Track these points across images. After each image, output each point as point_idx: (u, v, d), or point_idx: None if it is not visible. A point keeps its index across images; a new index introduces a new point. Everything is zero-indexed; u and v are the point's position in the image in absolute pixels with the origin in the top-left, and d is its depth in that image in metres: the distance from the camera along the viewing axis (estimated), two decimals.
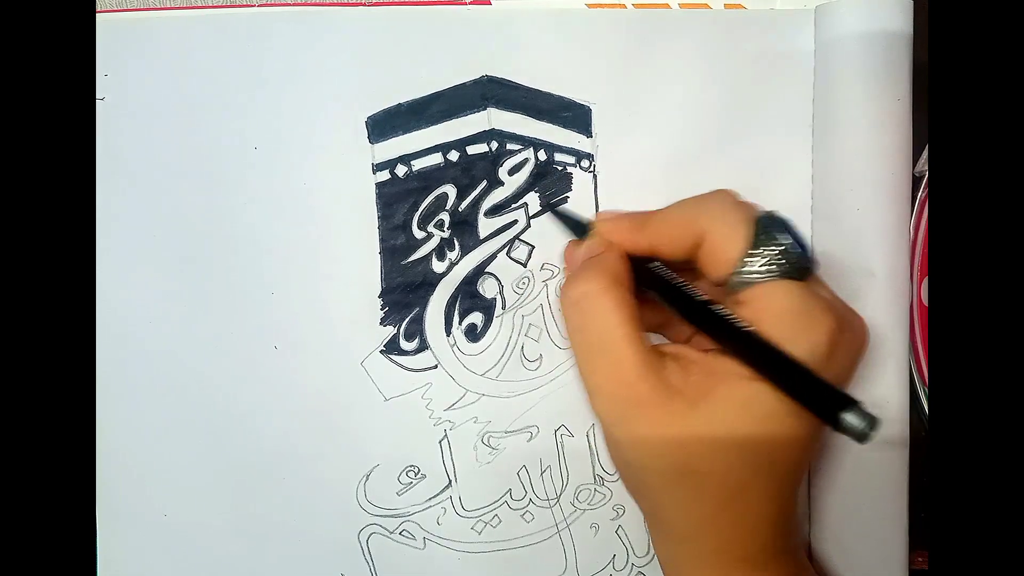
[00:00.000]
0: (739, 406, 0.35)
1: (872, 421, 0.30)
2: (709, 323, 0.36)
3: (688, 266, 0.39)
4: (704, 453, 0.35)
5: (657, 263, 0.39)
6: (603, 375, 0.36)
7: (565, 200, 0.46)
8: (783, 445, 0.35)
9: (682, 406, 0.35)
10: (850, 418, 0.31)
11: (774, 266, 0.35)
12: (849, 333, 0.36)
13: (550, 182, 0.45)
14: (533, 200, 0.46)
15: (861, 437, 0.31)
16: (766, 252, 0.35)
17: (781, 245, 0.35)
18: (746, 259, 0.36)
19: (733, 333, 0.35)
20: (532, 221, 0.46)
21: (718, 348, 0.37)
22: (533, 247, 0.46)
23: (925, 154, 0.45)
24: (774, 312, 0.35)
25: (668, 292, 0.38)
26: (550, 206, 0.46)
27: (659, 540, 0.39)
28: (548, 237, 0.46)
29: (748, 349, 0.35)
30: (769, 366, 0.34)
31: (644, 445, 0.36)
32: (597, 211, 0.46)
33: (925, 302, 0.45)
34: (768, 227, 0.36)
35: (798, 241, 0.36)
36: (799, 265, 0.36)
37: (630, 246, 0.40)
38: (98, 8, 0.43)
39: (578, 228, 0.43)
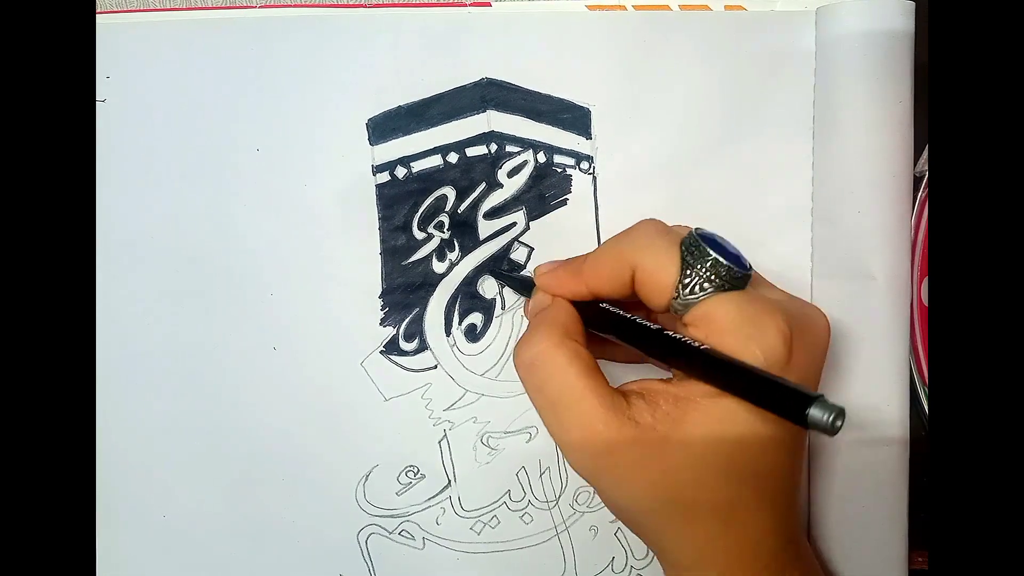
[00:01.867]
0: (712, 425, 0.34)
1: (837, 411, 0.30)
2: (664, 350, 0.36)
3: (633, 300, 0.39)
4: (688, 480, 0.35)
5: (603, 304, 0.39)
6: (571, 431, 0.36)
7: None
8: (763, 454, 0.35)
9: (657, 441, 0.35)
10: (815, 413, 0.30)
11: (709, 282, 0.35)
12: (806, 328, 0.36)
13: (549, 184, 0.45)
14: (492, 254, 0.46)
15: (830, 430, 0.30)
16: (696, 271, 0.35)
17: (708, 260, 0.35)
18: (681, 282, 0.36)
19: (689, 355, 0.35)
20: (531, 223, 0.46)
21: (679, 374, 0.37)
22: (532, 249, 0.46)
23: (925, 154, 0.45)
24: (721, 327, 0.35)
25: (619, 329, 0.38)
26: (492, 271, 0.46)
27: (667, 571, 0.39)
28: (547, 238, 0.46)
29: (706, 367, 0.34)
30: (728, 380, 0.34)
31: (629, 487, 0.36)
32: (598, 212, 0.46)
33: (925, 302, 0.45)
34: (693, 246, 0.36)
35: (728, 251, 0.36)
36: (733, 275, 0.35)
37: (571, 294, 0.40)
38: (98, 10, 0.43)
39: (522, 285, 0.44)
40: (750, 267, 0.37)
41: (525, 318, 0.45)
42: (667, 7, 0.45)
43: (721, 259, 0.35)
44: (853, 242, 0.44)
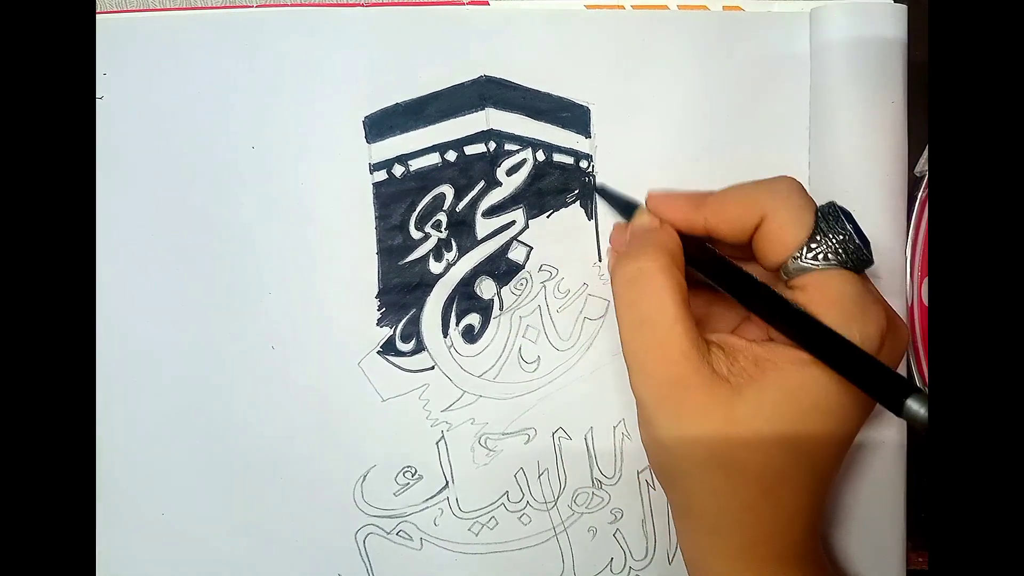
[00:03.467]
0: (787, 394, 0.34)
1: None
2: (767, 305, 0.36)
3: (738, 251, 0.38)
4: (745, 442, 0.34)
5: (711, 244, 0.39)
6: (649, 353, 0.36)
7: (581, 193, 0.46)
8: (824, 437, 0.35)
9: (727, 392, 0.34)
10: (913, 404, 0.30)
11: (833, 255, 0.35)
12: (896, 331, 0.36)
13: (548, 182, 0.45)
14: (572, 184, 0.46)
15: (924, 423, 0.30)
16: (827, 240, 0.35)
17: (842, 234, 0.35)
18: (806, 245, 0.35)
19: (793, 316, 0.35)
20: (530, 222, 0.46)
21: (766, 338, 0.37)
22: (531, 248, 0.46)
23: (925, 154, 0.45)
24: (830, 299, 0.34)
25: (723, 273, 0.38)
26: (598, 187, 0.46)
27: (687, 531, 0.38)
28: (546, 237, 0.46)
29: (808, 332, 0.34)
30: (829, 350, 0.34)
31: (683, 429, 0.35)
32: (597, 211, 0.46)
33: (925, 302, 0.45)
34: (831, 214, 0.36)
35: (859, 233, 0.36)
36: (858, 256, 0.35)
37: (685, 225, 0.39)
38: (98, 9, 0.43)
39: (625, 208, 0.43)
40: (873, 258, 0.36)
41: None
42: (665, 6, 0.45)
43: (855, 236, 0.35)
44: None
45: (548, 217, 0.46)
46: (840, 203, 0.36)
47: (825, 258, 0.35)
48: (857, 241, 0.35)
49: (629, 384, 0.37)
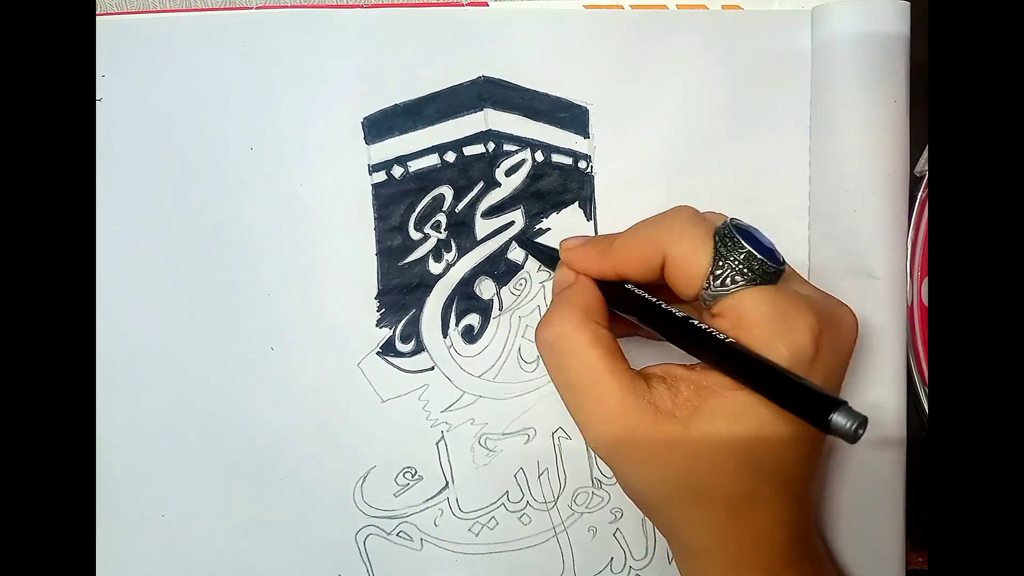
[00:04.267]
0: (731, 417, 0.34)
1: (861, 420, 0.30)
2: (689, 339, 0.36)
3: (660, 284, 0.38)
4: (705, 469, 0.35)
5: (629, 285, 0.39)
6: (590, 412, 0.36)
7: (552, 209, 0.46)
8: (781, 450, 0.35)
9: (674, 427, 0.34)
10: (838, 419, 0.30)
11: (741, 275, 0.35)
12: (834, 326, 0.36)
13: (547, 183, 0.45)
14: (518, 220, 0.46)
15: (851, 437, 0.30)
16: (729, 263, 0.35)
17: (742, 252, 0.35)
18: (713, 272, 0.35)
19: (713, 346, 0.35)
20: (529, 222, 0.46)
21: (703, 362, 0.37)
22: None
23: (925, 154, 0.45)
24: (749, 321, 0.34)
25: (644, 312, 0.38)
26: (518, 239, 0.46)
27: (678, 557, 0.39)
28: (545, 238, 0.46)
29: (729, 361, 0.34)
30: (751, 376, 0.34)
31: (644, 471, 0.36)
32: (596, 211, 0.46)
33: (925, 302, 0.45)
34: (728, 236, 0.35)
35: (762, 244, 0.36)
36: (766, 269, 0.35)
37: (597, 273, 0.40)
38: (98, 10, 0.43)
39: (548, 259, 0.43)
40: (784, 262, 0.36)
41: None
42: (664, 6, 0.45)
43: (755, 252, 0.35)
44: (850, 241, 0.44)
45: (547, 218, 0.46)
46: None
47: (733, 281, 0.35)
48: (759, 256, 0.35)
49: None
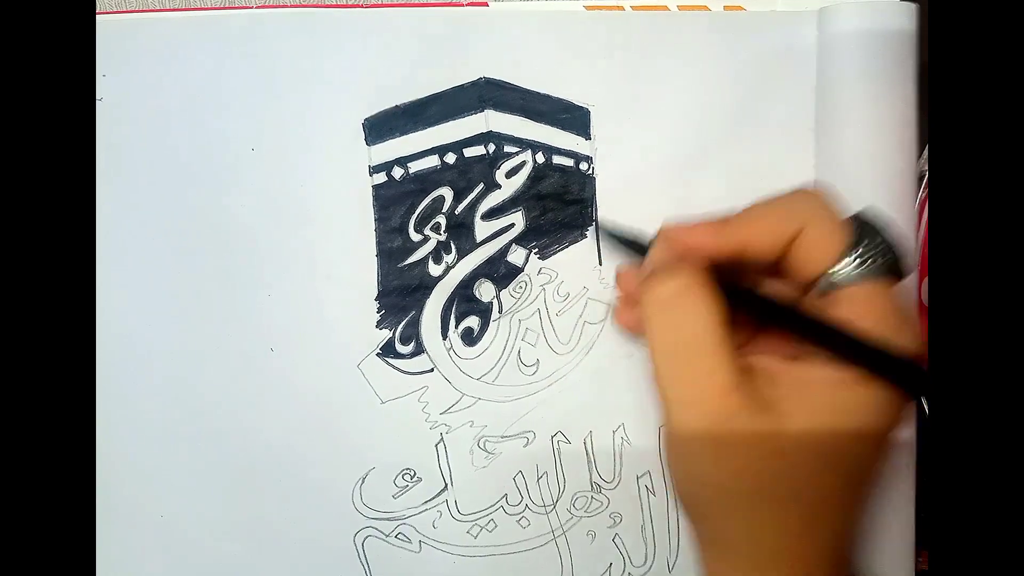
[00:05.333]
0: (831, 415, 0.33)
1: None
2: (804, 326, 0.35)
3: (765, 270, 0.37)
4: (792, 467, 0.33)
5: (736, 277, 0.37)
6: (692, 385, 0.33)
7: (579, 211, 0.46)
8: (870, 457, 0.34)
9: (774, 423, 0.33)
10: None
11: (871, 265, 0.34)
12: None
13: (548, 184, 0.45)
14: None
15: None
16: (865, 251, 0.34)
17: (881, 244, 0.34)
18: (847, 255, 0.34)
19: (836, 335, 0.33)
20: (530, 224, 0.46)
21: (789, 354, 0.35)
22: (530, 250, 0.46)
23: (925, 154, 0.45)
24: (872, 313, 0.33)
25: (752, 301, 0.37)
26: (602, 225, 0.45)
27: (719, 567, 0.36)
28: (546, 240, 0.46)
29: (853, 349, 0.33)
30: (864, 357, 0.32)
31: (728, 463, 0.33)
32: (597, 213, 0.46)
33: (925, 302, 0.45)
34: (869, 222, 0.35)
35: (896, 240, 0.35)
36: (895, 267, 0.34)
37: (713, 246, 0.36)
38: (98, 9, 0.43)
39: (636, 246, 0.41)
40: (912, 267, 0.35)
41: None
42: (665, 7, 0.45)
43: (894, 246, 0.34)
44: None
45: (547, 219, 0.45)
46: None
47: (866, 267, 0.34)
48: (895, 252, 0.34)
49: (663, 414, 0.35)
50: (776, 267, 0.36)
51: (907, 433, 0.45)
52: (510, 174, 0.45)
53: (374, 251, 0.45)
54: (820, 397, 0.33)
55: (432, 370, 0.46)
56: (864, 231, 0.34)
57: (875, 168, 0.43)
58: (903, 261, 0.34)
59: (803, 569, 0.34)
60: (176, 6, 0.44)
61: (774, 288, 0.38)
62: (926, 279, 0.44)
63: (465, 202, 0.45)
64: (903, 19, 0.43)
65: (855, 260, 0.34)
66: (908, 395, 0.33)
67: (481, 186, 0.45)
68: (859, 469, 0.34)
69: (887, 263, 0.34)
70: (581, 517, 0.47)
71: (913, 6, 0.43)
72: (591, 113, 0.45)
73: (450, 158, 0.45)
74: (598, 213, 0.46)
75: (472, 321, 0.46)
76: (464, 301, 0.46)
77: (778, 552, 0.34)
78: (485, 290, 0.46)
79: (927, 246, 0.44)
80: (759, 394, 0.33)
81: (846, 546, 0.35)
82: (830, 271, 0.34)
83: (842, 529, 0.35)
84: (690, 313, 0.34)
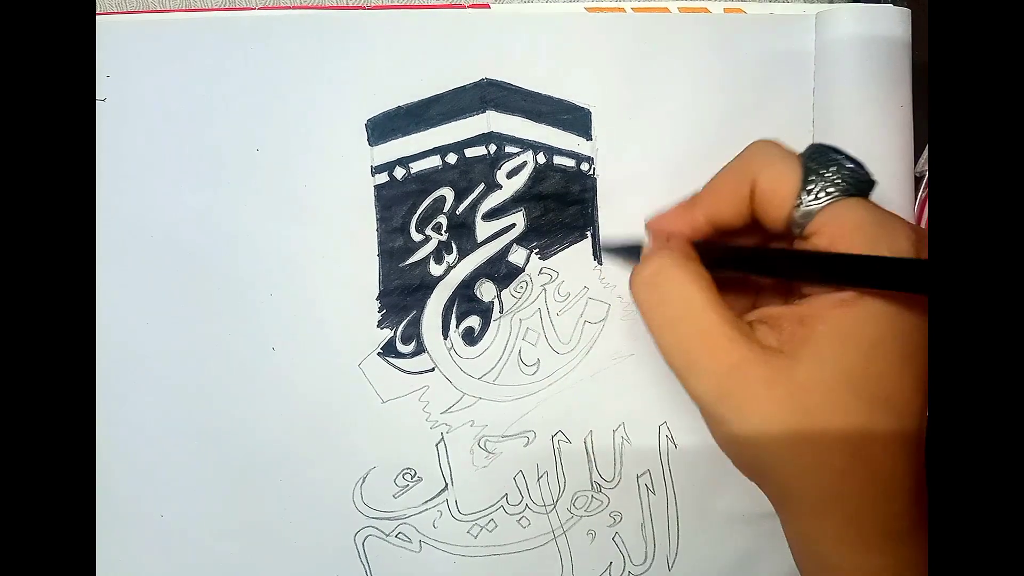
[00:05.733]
0: (842, 339, 0.32)
1: None
2: (794, 264, 0.35)
3: (745, 231, 0.38)
4: (818, 404, 0.32)
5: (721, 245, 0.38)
6: (694, 350, 0.34)
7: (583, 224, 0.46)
8: (898, 374, 0.33)
9: (785, 361, 0.33)
10: None
11: (835, 185, 0.34)
12: (923, 237, 0.34)
13: (549, 185, 0.45)
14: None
15: None
16: (824, 175, 0.34)
17: (834, 163, 0.34)
18: (805, 188, 0.34)
19: (824, 260, 0.33)
20: (531, 224, 0.46)
21: (799, 295, 0.36)
22: (531, 251, 0.46)
23: (925, 154, 0.45)
24: (849, 229, 0.33)
25: (741, 259, 0.37)
26: (605, 243, 0.46)
27: (789, 520, 0.35)
28: (547, 240, 0.46)
29: (844, 268, 0.33)
30: (874, 274, 0.32)
31: (755, 417, 0.33)
32: (598, 213, 0.46)
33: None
34: (818, 152, 0.35)
35: (851, 159, 0.35)
36: (859, 178, 0.34)
37: (688, 227, 0.38)
38: (99, 10, 0.43)
39: (632, 251, 0.42)
40: (873, 177, 0.35)
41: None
42: (666, 9, 0.45)
43: (846, 163, 0.34)
44: None
45: (548, 220, 0.46)
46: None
47: (827, 193, 0.34)
48: (850, 164, 0.34)
49: (684, 389, 0.35)
50: (759, 225, 0.37)
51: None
52: (511, 174, 0.45)
53: (375, 251, 0.45)
54: (823, 327, 0.33)
55: (433, 370, 0.46)
56: (815, 162, 0.35)
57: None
58: (862, 176, 0.35)
59: (857, 513, 0.33)
60: (177, 7, 0.44)
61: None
62: None
63: (466, 202, 0.45)
64: (896, 25, 0.43)
65: (814, 190, 0.34)
66: (910, 291, 0.31)
67: (482, 186, 0.45)
68: (893, 396, 0.33)
69: (847, 184, 0.34)
70: (581, 516, 0.47)
71: (907, 11, 0.43)
72: (592, 114, 0.45)
73: (451, 158, 0.45)
74: (600, 220, 0.46)
75: (473, 321, 0.46)
76: (465, 301, 0.46)
77: (830, 495, 0.33)
78: (486, 290, 0.46)
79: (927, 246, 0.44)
80: (764, 342, 0.34)
81: (910, 499, 0.34)
82: (794, 208, 0.35)
83: (894, 472, 0.33)
84: (672, 286, 0.35)
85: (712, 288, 0.35)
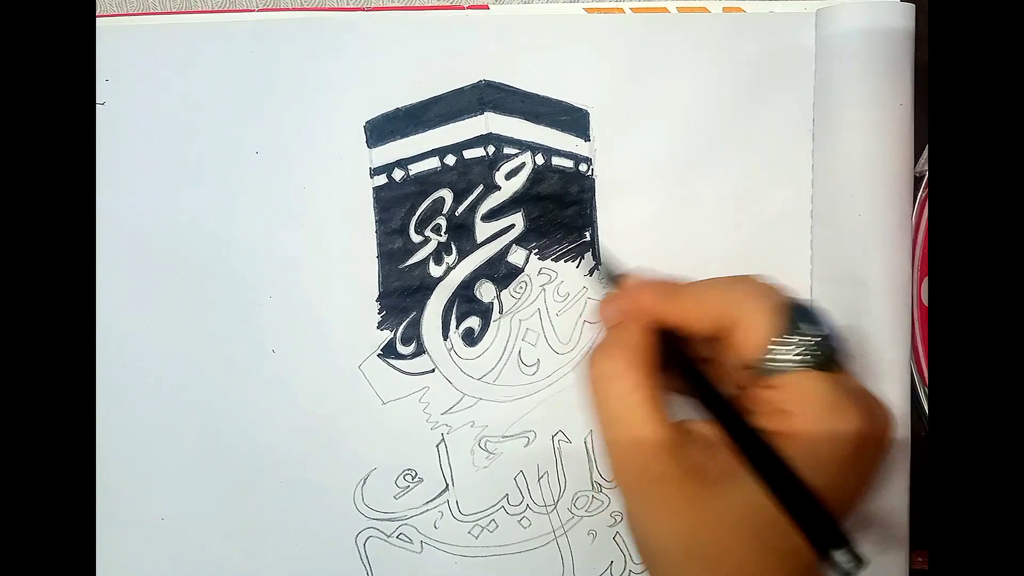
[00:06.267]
0: (760, 491, 0.34)
1: (858, 563, 0.31)
2: (728, 420, 0.36)
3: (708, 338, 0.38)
4: (720, 539, 0.34)
5: (680, 344, 0.39)
6: (624, 450, 0.36)
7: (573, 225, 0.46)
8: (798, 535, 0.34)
9: (700, 487, 0.34)
10: (839, 557, 0.31)
11: (806, 355, 0.35)
12: (875, 427, 0.35)
13: (548, 186, 0.45)
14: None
15: (842, 573, 0.31)
16: (799, 341, 0.35)
17: (815, 336, 0.35)
18: (780, 345, 0.35)
19: (749, 439, 0.35)
20: (529, 225, 0.46)
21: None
22: (530, 251, 0.46)
23: (925, 154, 0.45)
24: (806, 403, 0.34)
25: (692, 377, 0.38)
26: (599, 266, 0.46)
27: None
28: (545, 241, 0.46)
29: (761, 458, 0.34)
30: (777, 481, 0.33)
31: (661, 524, 0.35)
32: (596, 214, 0.46)
33: (925, 302, 0.45)
34: (801, 316, 0.36)
35: (831, 332, 0.36)
36: (831, 357, 0.35)
37: (658, 314, 0.39)
38: (98, 13, 0.43)
39: (611, 276, 0.44)
40: (849, 358, 0.37)
41: (523, 321, 0.46)
42: (665, 9, 0.45)
43: (828, 338, 0.35)
44: (853, 244, 0.44)
45: (547, 221, 0.46)
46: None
47: (800, 359, 0.35)
48: (831, 342, 0.35)
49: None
50: (719, 342, 0.38)
51: (901, 434, 0.45)
52: (510, 176, 0.45)
53: (375, 252, 0.45)
54: (746, 473, 0.34)
55: (433, 371, 0.46)
56: (797, 323, 0.36)
57: (873, 168, 0.43)
58: (839, 354, 0.36)
59: None
60: (177, 9, 0.44)
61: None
62: (926, 279, 0.45)
63: (465, 203, 0.45)
64: (900, 20, 0.43)
65: (788, 350, 0.35)
66: (812, 546, 0.33)
67: (481, 187, 0.45)
68: (793, 550, 0.34)
69: (823, 355, 0.35)
70: (582, 516, 0.47)
71: (910, 7, 0.43)
72: (590, 115, 0.45)
73: (450, 160, 0.45)
74: (598, 220, 0.46)
75: (473, 321, 0.46)
76: (465, 302, 0.46)
77: None
78: (486, 291, 0.46)
79: (927, 246, 0.44)
80: (692, 460, 0.35)
81: None
82: (763, 358, 0.36)
83: None
84: (615, 393, 0.37)
85: (654, 397, 0.37)
